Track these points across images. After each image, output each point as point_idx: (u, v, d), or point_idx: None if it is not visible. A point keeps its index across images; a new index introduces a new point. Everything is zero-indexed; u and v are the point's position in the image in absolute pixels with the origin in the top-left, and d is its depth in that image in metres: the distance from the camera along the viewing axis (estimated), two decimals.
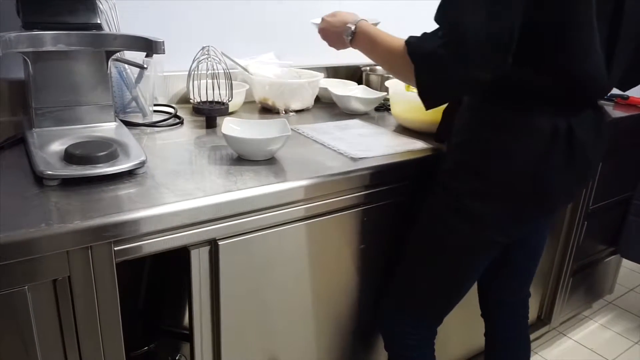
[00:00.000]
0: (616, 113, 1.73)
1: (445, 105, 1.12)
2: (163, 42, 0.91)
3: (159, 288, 1.29)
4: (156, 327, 1.27)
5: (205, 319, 0.92)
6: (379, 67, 1.73)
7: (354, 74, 1.77)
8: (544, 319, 1.86)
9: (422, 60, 0.83)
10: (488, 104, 0.90)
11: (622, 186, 1.86)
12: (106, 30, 1.08)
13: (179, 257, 0.88)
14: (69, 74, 0.97)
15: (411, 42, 0.85)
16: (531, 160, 0.86)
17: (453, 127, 0.98)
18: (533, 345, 1.87)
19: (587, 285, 1.96)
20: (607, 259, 1.99)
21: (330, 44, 1.09)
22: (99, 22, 0.98)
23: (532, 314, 1.81)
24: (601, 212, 1.80)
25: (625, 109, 1.79)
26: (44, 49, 0.89)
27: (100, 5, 1.13)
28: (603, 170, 1.68)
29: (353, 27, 0.99)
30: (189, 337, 0.94)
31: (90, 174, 0.83)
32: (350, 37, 1.00)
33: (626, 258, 1.92)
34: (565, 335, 1.98)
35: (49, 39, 0.89)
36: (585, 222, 1.74)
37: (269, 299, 0.99)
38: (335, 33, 1.04)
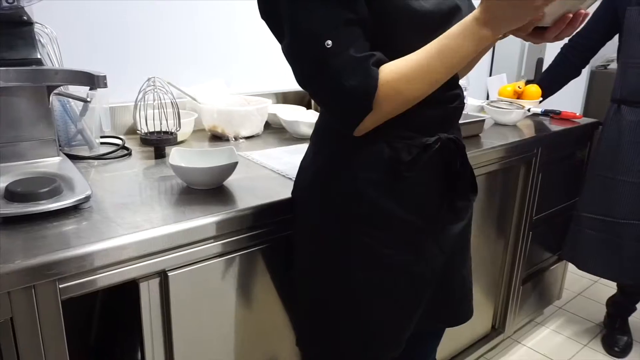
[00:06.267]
0: (553, 127, 1.84)
1: None
2: (105, 76, 0.92)
3: (112, 323, 1.26)
4: None
5: (158, 352, 0.90)
6: None
7: (302, 98, 1.80)
8: (498, 328, 1.92)
9: None
10: None
11: (562, 196, 1.96)
12: (47, 64, 1.07)
13: (131, 290, 0.87)
14: (9, 110, 0.95)
15: None
16: None
17: None
18: (489, 354, 1.92)
19: (537, 293, 2.05)
20: (553, 266, 2.08)
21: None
22: (39, 57, 0.97)
23: (486, 324, 1.87)
24: (545, 222, 1.89)
25: (560, 122, 1.91)
26: None
27: (41, 39, 1.12)
28: (543, 181, 1.77)
29: None
30: None
31: (32, 211, 0.81)
32: None
33: (582, 270, 1.93)
34: (519, 343, 2.04)
35: None
36: (531, 232, 1.82)
37: (222, 329, 0.98)
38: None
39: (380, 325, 0.92)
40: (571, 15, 0.75)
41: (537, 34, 0.80)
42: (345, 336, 0.93)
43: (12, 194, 0.84)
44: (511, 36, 0.86)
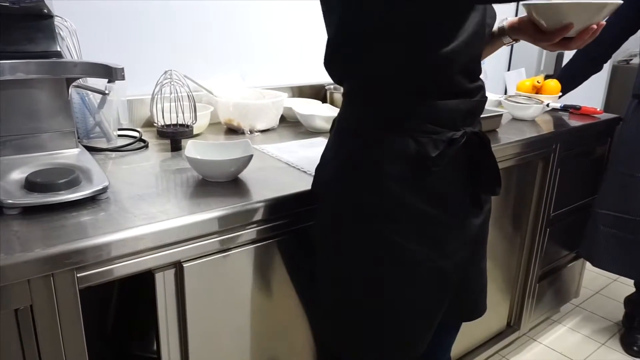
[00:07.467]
0: (572, 123, 1.81)
1: None
2: (123, 68, 0.92)
3: (128, 312, 1.28)
4: (125, 352, 1.25)
5: (173, 342, 0.92)
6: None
7: (318, 92, 1.80)
8: (513, 326, 1.90)
9: None
10: None
11: (581, 192, 1.93)
12: (67, 56, 1.08)
13: (147, 281, 0.88)
14: (29, 102, 0.97)
15: None
16: None
17: None
18: (504, 351, 1.91)
19: (554, 290, 2.02)
20: (571, 264, 2.05)
21: None
22: (58, 49, 0.98)
23: (502, 320, 1.85)
24: (562, 219, 1.86)
25: (579, 118, 1.88)
26: (2, 78, 0.89)
27: (61, 32, 1.13)
28: (562, 178, 1.74)
29: None
30: None
31: (51, 201, 0.83)
32: None
33: (597, 267, 1.91)
34: (535, 340, 2.02)
35: (7, 68, 0.89)
36: (548, 229, 1.80)
37: (237, 320, 0.99)
38: None
39: (408, 323, 0.92)
40: (595, 27, 0.86)
41: (562, 43, 0.87)
42: (372, 334, 0.92)
43: (32, 185, 0.86)
44: None
